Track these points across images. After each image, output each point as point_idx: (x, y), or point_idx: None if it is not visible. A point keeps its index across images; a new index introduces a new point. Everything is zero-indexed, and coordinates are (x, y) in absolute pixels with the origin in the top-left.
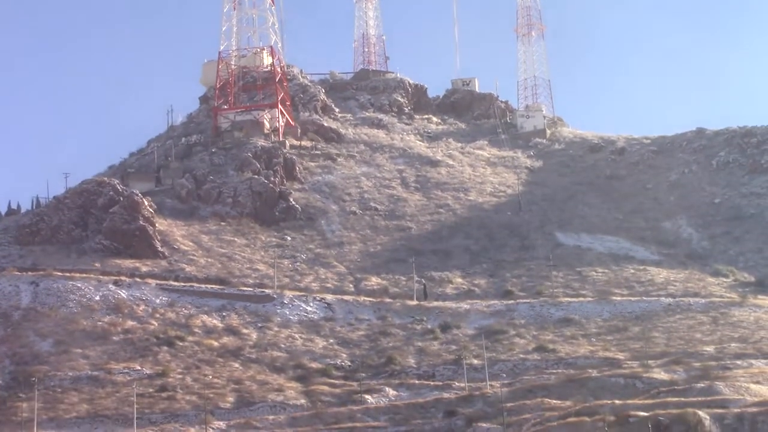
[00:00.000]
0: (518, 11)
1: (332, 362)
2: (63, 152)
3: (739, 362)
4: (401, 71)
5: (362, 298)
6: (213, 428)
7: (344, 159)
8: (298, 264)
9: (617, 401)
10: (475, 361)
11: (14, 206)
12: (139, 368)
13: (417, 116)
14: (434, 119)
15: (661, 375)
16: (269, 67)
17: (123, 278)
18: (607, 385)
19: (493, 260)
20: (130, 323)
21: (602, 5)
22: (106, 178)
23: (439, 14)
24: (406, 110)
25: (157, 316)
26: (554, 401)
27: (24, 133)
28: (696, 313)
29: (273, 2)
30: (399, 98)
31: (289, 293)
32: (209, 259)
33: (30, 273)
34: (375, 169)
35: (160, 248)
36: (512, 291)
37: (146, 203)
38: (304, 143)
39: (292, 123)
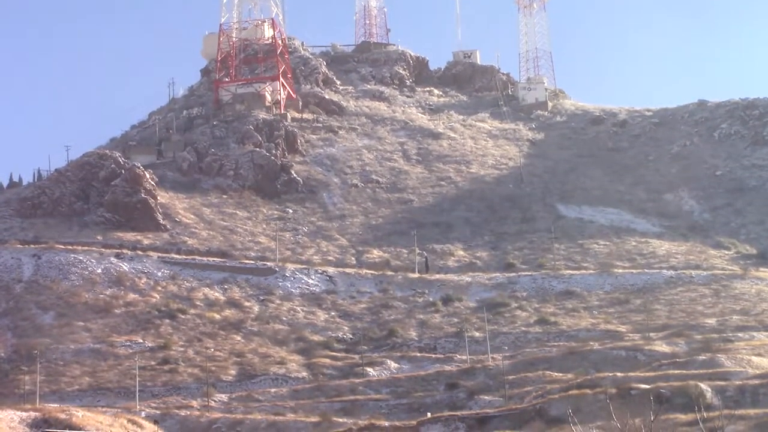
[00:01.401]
0: None
1: (334, 335)
2: (64, 125)
3: (740, 335)
4: (402, 43)
5: (364, 271)
6: (215, 401)
7: (345, 132)
8: (299, 237)
9: (619, 374)
10: (477, 334)
11: (16, 179)
12: (141, 341)
13: (418, 89)
14: (436, 92)
15: (662, 347)
16: (270, 40)
17: (125, 251)
18: (608, 357)
19: (494, 233)
20: (132, 296)
21: None
22: (107, 151)
23: None
24: (408, 83)
25: (159, 288)
26: (556, 374)
27: (25, 107)
28: (697, 286)
29: None
30: (400, 71)
31: (290, 266)
32: (211, 232)
33: (32, 246)
34: (376, 141)
35: (161, 221)
36: (514, 263)
37: (148, 176)
38: (305, 116)
39: (294, 95)
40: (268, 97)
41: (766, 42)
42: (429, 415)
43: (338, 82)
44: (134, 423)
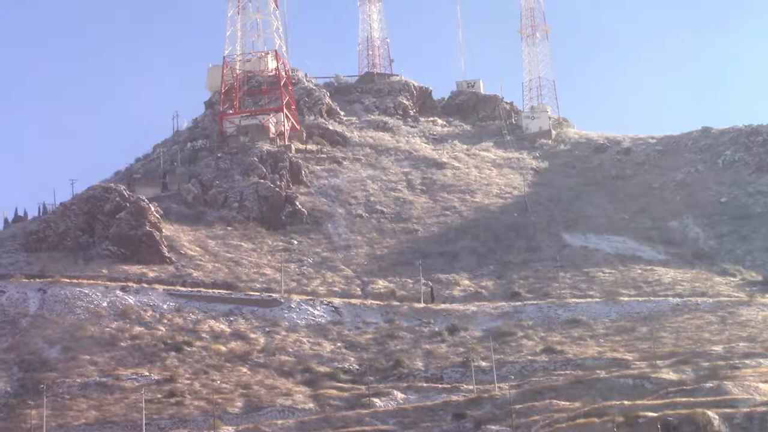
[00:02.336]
0: (522, 12)
1: (340, 366)
2: (69, 159)
3: (747, 361)
4: (406, 74)
5: (369, 302)
6: None
7: (350, 162)
8: (305, 268)
9: (626, 402)
10: (483, 363)
11: (21, 213)
12: (147, 374)
13: (422, 118)
14: (439, 121)
15: (669, 375)
16: (274, 71)
17: (130, 284)
18: (615, 385)
19: (500, 262)
20: (137, 329)
21: (606, 5)
22: (112, 184)
23: (442, 16)
24: (411, 113)
25: (165, 321)
26: (563, 403)
27: (30, 141)
28: (704, 313)
29: (277, 6)
30: (404, 101)
31: (296, 297)
32: (216, 264)
33: (37, 280)
34: (381, 171)
35: (167, 254)
36: (519, 292)
37: (153, 209)
38: (309, 147)
39: (298, 127)
40: (272, 129)
41: None
42: None
43: (342, 113)
44: None
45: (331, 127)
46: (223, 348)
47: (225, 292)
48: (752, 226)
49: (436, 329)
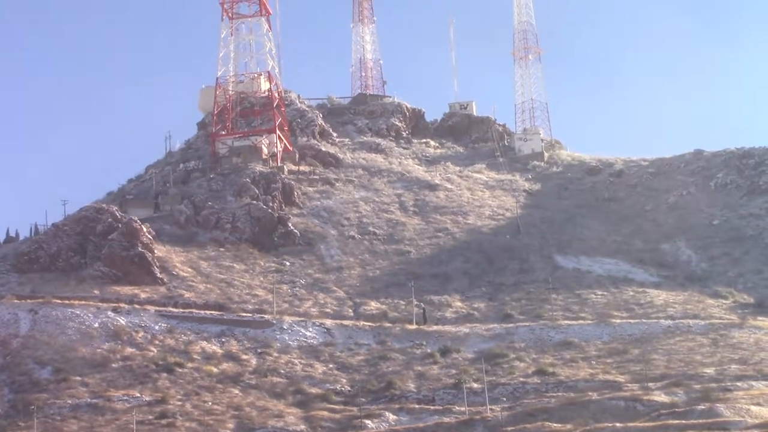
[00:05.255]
0: (515, 34)
1: (332, 387)
2: (61, 180)
3: (739, 384)
4: (399, 95)
5: (361, 323)
6: None
7: (342, 184)
8: (297, 289)
9: (618, 424)
10: (475, 385)
11: (12, 234)
12: (139, 395)
13: (415, 140)
14: (432, 143)
15: (661, 397)
16: (267, 93)
17: (122, 305)
18: (607, 407)
19: (492, 283)
20: (129, 350)
21: (599, 28)
22: (104, 205)
23: (436, 38)
24: (404, 134)
25: (157, 342)
26: (555, 425)
27: (22, 161)
28: (696, 335)
29: (270, 28)
30: (397, 122)
31: (288, 318)
32: (208, 285)
33: (29, 300)
34: (373, 193)
35: (159, 274)
36: (512, 314)
37: (145, 230)
38: (302, 168)
39: (290, 148)
40: (265, 150)
41: (760, 91)
42: None
43: (335, 134)
44: None
45: (323, 149)
46: (214, 369)
47: (217, 313)
48: (744, 248)
49: (429, 351)
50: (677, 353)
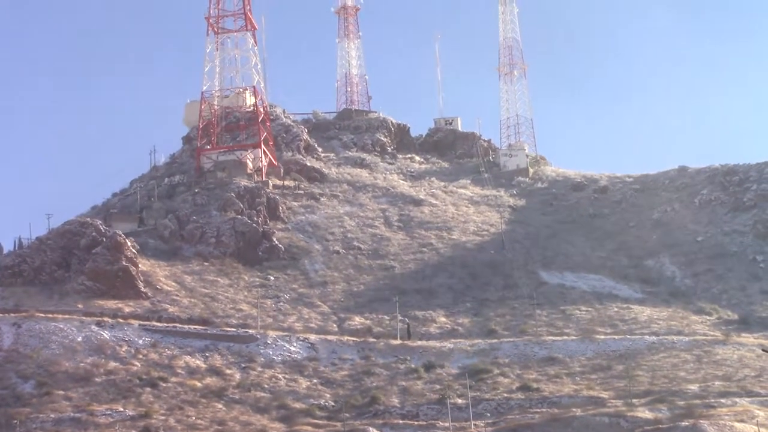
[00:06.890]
0: (500, 50)
1: (316, 402)
2: (45, 193)
3: (723, 400)
4: (384, 111)
5: (346, 338)
6: None
7: (327, 199)
8: (281, 304)
9: None
10: (459, 401)
11: None
12: (122, 410)
13: (400, 155)
14: (417, 158)
15: (645, 414)
16: (252, 107)
17: (106, 319)
18: (591, 423)
19: (476, 299)
20: (112, 364)
21: (584, 44)
22: (88, 219)
23: (421, 54)
24: (389, 150)
25: (140, 357)
26: None
27: (6, 174)
28: (680, 351)
29: (256, 42)
30: (382, 138)
31: (272, 333)
32: (192, 300)
33: (12, 314)
34: (358, 208)
35: (143, 289)
36: (496, 330)
37: (129, 244)
38: (287, 183)
39: (275, 163)
40: (250, 165)
41: (744, 108)
42: None
43: (320, 149)
44: None
45: (308, 164)
46: (198, 384)
47: (201, 327)
48: (728, 265)
49: (413, 366)
50: (661, 369)
